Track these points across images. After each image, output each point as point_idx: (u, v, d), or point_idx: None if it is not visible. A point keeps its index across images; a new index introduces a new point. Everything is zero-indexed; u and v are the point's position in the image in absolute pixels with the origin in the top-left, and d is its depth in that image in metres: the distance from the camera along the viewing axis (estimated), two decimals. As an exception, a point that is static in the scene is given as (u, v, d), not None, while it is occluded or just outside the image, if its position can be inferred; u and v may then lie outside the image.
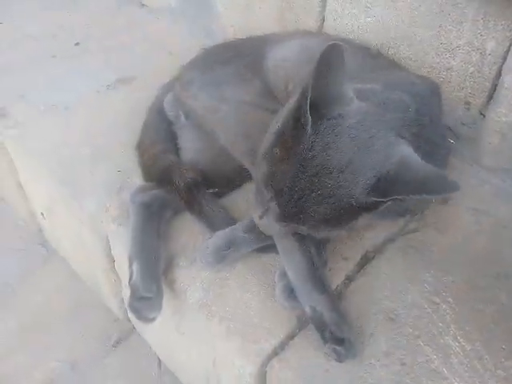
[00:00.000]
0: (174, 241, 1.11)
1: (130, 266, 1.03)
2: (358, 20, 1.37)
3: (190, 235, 1.11)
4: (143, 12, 2.11)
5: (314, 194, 0.81)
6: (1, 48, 1.84)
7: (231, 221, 1.07)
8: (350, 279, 1.05)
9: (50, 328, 1.47)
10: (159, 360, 1.38)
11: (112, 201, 1.19)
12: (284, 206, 0.84)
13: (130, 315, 1.05)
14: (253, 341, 0.93)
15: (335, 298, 0.97)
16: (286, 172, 0.82)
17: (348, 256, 1.09)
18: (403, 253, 1.10)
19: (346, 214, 0.84)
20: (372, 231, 1.14)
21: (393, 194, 0.80)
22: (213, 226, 1.06)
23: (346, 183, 0.81)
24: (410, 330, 0.95)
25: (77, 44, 1.85)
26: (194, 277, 1.03)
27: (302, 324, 0.97)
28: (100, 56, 1.77)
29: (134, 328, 1.45)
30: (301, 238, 0.98)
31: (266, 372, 0.91)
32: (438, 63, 1.27)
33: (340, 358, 0.89)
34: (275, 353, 0.92)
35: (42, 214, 1.55)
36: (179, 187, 1.08)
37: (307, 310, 0.94)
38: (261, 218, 0.89)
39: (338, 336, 0.89)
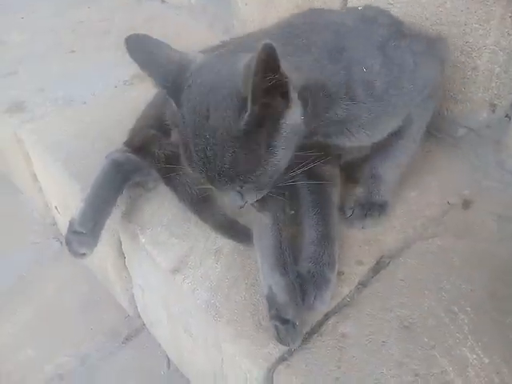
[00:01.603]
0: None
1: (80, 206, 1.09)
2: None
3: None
4: (163, 8, 2.10)
5: (213, 152, 0.80)
6: (21, 42, 1.87)
7: (205, 196, 1.07)
8: (363, 284, 1.02)
9: (60, 322, 1.47)
10: (168, 359, 1.36)
11: (122, 197, 1.17)
12: (211, 177, 0.83)
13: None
14: (261, 344, 0.90)
15: (293, 283, 0.93)
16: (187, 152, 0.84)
17: (362, 260, 1.05)
18: (421, 259, 1.06)
19: (247, 148, 0.80)
20: (388, 235, 1.10)
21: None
22: (184, 197, 1.09)
23: (218, 122, 0.79)
24: (426, 340, 0.91)
25: (95, 39, 1.85)
26: (202, 277, 1.01)
27: (312, 329, 0.94)
28: (118, 52, 1.76)
29: (145, 325, 1.44)
30: (275, 219, 0.98)
31: (272, 377, 0.88)
32: (463, 62, 1.22)
33: (279, 336, 0.88)
34: (283, 358, 0.89)
35: (56, 207, 1.55)
36: (158, 157, 1.11)
37: (265, 288, 0.93)
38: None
39: (282, 316, 0.88)
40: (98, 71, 1.66)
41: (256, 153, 0.81)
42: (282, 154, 0.83)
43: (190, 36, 1.85)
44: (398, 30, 1.01)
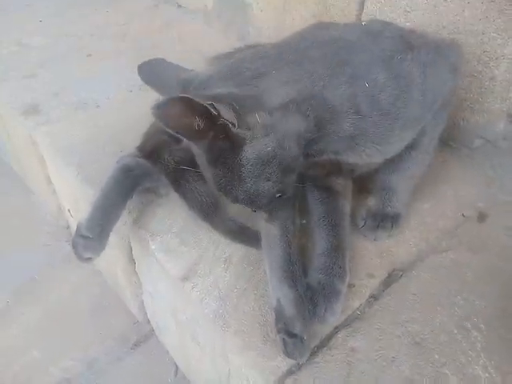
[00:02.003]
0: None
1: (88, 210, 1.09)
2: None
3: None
4: (179, 13, 2.11)
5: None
6: (41, 45, 1.89)
7: (213, 203, 1.07)
8: (374, 297, 1.00)
9: (69, 325, 1.47)
10: (176, 366, 1.36)
11: (134, 203, 1.17)
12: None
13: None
14: (268, 357, 0.89)
15: (302, 297, 0.92)
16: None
17: (374, 273, 1.03)
18: (434, 273, 1.04)
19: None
20: (401, 247, 1.08)
21: None
22: (193, 204, 1.08)
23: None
24: (437, 357, 0.89)
25: (112, 43, 1.86)
26: (211, 286, 1.00)
27: (321, 343, 0.93)
28: (134, 55, 1.77)
29: (153, 331, 1.43)
30: (284, 230, 0.97)
31: (279, 391, 0.87)
32: (480, 72, 1.20)
33: (286, 350, 0.86)
34: (291, 371, 0.88)
35: (69, 210, 1.56)
36: (168, 163, 1.10)
37: (273, 301, 0.93)
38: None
39: (290, 330, 0.87)
40: (113, 75, 1.67)
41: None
42: (256, 181, 0.84)
43: (205, 42, 1.85)
44: (404, 41, 0.99)
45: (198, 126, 0.79)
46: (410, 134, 1.01)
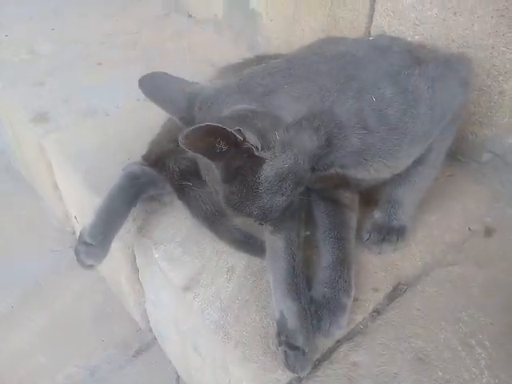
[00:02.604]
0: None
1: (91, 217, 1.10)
2: (405, 38, 1.31)
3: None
4: (189, 22, 2.13)
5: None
6: (51, 53, 1.91)
7: (217, 211, 1.07)
8: (378, 312, 0.99)
9: (73, 331, 1.47)
10: (178, 376, 1.35)
11: (138, 211, 1.17)
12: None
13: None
14: (269, 370, 0.88)
15: (305, 310, 0.92)
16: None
17: (378, 287, 1.02)
18: (439, 287, 1.02)
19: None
20: (406, 261, 1.07)
21: None
22: (197, 212, 1.09)
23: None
24: (440, 374, 0.88)
25: (122, 52, 1.88)
26: (213, 296, 1.00)
27: (323, 356, 0.92)
28: (144, 64, 1.79)
29: (156, 340, 1.43)
30: (288, 243, 0.97)
31: (279, 405, 0.86)
32: (490, 86, 1.19)
33: (288, 363, 0.86)
34: (291, 385, 0.87)
35: (76, 217, 1.57)
36: (173, 171, 1.12)
37: (276, 313, 0.92)
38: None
39: (292, 343, 0.87)
40: (122, 84, 1.68)
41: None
42: (272, 197, 0.85)
43: (215, 51, 1.86)
44: (412, 56, 0.98)
45: (220, 148, 0.78)
46: (418, 149, 1.00)
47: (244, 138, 0.76)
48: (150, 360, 1.41)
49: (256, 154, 0.79)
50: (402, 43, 1.05)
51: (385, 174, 1.00)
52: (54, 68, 1.79)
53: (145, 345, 1.44)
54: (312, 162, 0.88)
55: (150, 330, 1.42)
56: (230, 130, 0.74)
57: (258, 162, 0.81)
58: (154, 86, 0.94)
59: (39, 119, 1.53)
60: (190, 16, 2.15)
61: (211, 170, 0.86)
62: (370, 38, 1.09)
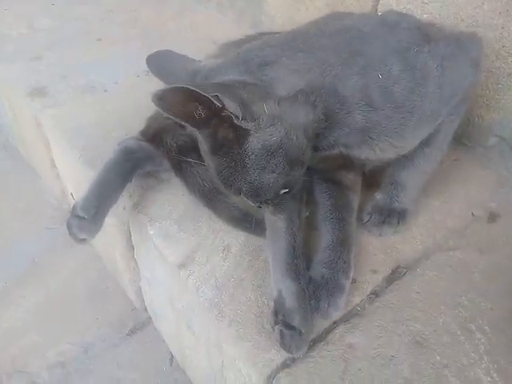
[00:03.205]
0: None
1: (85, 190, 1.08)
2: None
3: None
4: (192, 1, 2.09)
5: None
6: (50, 28, 1.88)
7: (215, 188, 1.05)
8: (376, 294, 0.97)
9: (67, 309, 1.45)
10: (172, 355, 1.33)
11: (135, 187, 1.15)
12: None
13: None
14: (263, 349, 0.86)
15: (304, 290, 0.90)
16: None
17: (377, 269, 1.00)
18: (439, 271, 1.00)
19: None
20: (407, 244, 1.05)
21: None
22: (194, 189, 1.07)
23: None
24: (438, 358, 0.86)
25: (123, 28, 1.85)
26: (208, 274, 0.98)
27: (318, 337, 0.90)
28: (144, 42, 1.75)
29: (151, 319, 1.41)
30: (289, 223, 0.95)
31: (272, 384, 0.85)
32: (498, 68, 1.16)
33: (283, 342, 0.84)
34: (285, 365, 0.85)
35: (72, 194, 1.54)
36: (170, 147, 1.09)
37: (274, 292, 0.90)
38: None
39: (288, 322, 0.85)
40: (122, 60, 1.65)
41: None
42: (260, 173, 0.82)
43: (217, 30, 1.83)
44: (421, 33, 0.95)
45: (200, 114, 0.77)
46: (425, 130, 0.97)
47: (223, 105, 0.74)
48: (144, 339, 1.39)
49: (236, 123, 0.77)
50: (411, 20, 1.01)
51: (391, 155, 0.97)
52: (52, 43, 1.76)
53: (140, 324, 1.43)
54: (309, 139, 0.85)
55: (145, 308, 1.41)
56: (206, 94, 0.72)
57: (243, 133, 0.79)
58: (160, 64, 0.95)
59: (36, 93, 1.50)
60: (194, -6, 2.11)
61: (201, 141, 0.84)
62: (379, 13, 1.06)
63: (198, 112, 0.76)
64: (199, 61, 1.01)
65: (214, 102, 0.73)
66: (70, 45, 1.75)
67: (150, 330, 1.41)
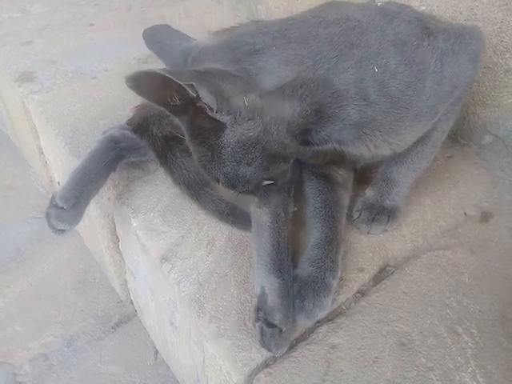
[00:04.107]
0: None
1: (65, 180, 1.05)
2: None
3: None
4: (188, -12, 2.04)
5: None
6: (42, 12, 1.84)
7: (201, 180, 1.03)
8: (362, 293, 0.94)
9: (52, 300, 1.43)
10: (156, 350, 1.31)
11: (120, 178, 1.12)
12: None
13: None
14: (243, 347, 0.84)
15: (288, 288, 0.87)
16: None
17: (364, 267, 0.97)
18: (428, 271, 0.98)
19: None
20: (396, 243, 1.02)
21: None
22: (180, 180, 1.05)
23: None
24: (423, 360, 0.83)
25: (116, 14, 1.81)
26: (190, 268, 0.95)
27: (301, 336, 0.87)
28: (138, 28, 1.69)
29: (136, 312, 1.39)
30: (275, 217, 0.93)
31: (252, 384, 0.82)
32: (496, 64, 1.13)
33: (263, 339, 0.82)
34: (266, 364, 0.83)
35: (59, 183, 1.51)
36: (156, 136, 1.07)
37: (257, 288, 0.88)
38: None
39: (269, 320, 0.82)
40: (114, 47, 1.61)
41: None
42: (236, 165, 0.80)
43: (213, 18, 1.79)
44: (421, 26, 0.91)
45: (174, 101, 0.74)
46: (422, 127, 0.93)
47: (197, 95, 0.71)
48: (129, 333, 1.37)
49: (210, 114, 0.74)
50: (411, 12, 0.97)
51: (385, 151, 0.93)
52: (44, 28, 1.71)
53: (125, 317, 1.40)
54: (294, 133, 0.82)
55: (131, 302, 1.38)
56: (181, 82, 0.69)
57: (220, 125, 0.76)
58: (156, 39, 0.92)
59: (24, 79, 1.46)
60: (190, -18, 2.06)
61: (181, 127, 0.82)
62: (378, 4, 1.02)
63: (173, 99, 0.73)
64: (194, 39, 0.98)
65: (189, 90, 0.70)
66: (61, 30, 1.70)
67: (135, 323, 1.39)
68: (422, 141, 0.98)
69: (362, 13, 0.92)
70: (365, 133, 0.87)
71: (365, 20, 0.89)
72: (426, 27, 0.91)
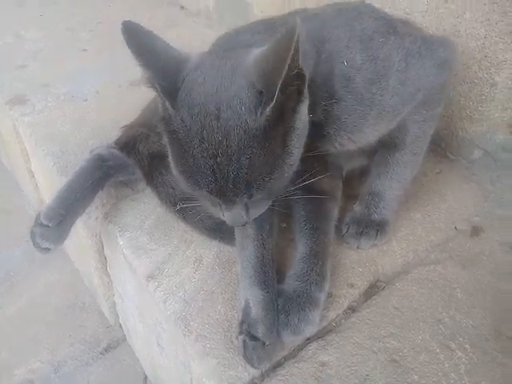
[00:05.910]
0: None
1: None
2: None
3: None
4: (182, 14, 2.09)
5: (226, 156, 0.72)
6: (37, 38, 1.87)
7: (187, 197, 0.98)
8: (353, 309, 0.92)
9: (39, 325, 1.41)
10: (145, 375, 1.28)
11: (108, 197, 1.11)
12: (221, 187, 0.74)
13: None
14: (229, 366, 0.82)
15: (273, 302, 0.85)
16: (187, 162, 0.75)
17: (354, 283, 0.96)
18: (419, 286, 0.96)
19: (265, 148, 0.73)
20: (386, 257, 1.01)
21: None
22: (166, 198, 1.05)
23: (232, 121, 0.71)
24: (415, 377, 0.81)
25: (110, 39, 1.83)
26: (176, 286, 0.93)
27: (290, 353, 0.85)
28: (130, 53, 1.73)
29: (125, 337, 1.36)
30: (259, 229, 0.91)
31: (239, 404, 0.79)
32: (481, 78, 1.14)
33: (245, 353, 0.80)
34: (253, 383, 0.80)
35: (49, 205, 1.50)
36: (142, 154, 1.07)
37: (242, 301, 0.86)
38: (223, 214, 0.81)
39: (252, 333, 0.81)
40: (105, 70, 1.63)
41: (274, 152, 0.74)
42: (297, 154, 0.78)
43: (204, 43, 1.80)
44: (388, 25, 0.92)
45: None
46: (384, 125, 0.93)
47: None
48: (118, 358, 1.34)
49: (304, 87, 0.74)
50: (381, 11, 0.98)
51: (350, 147, 0.93)
52: (37, 52, 1.75)
53: (114, 342, 1.38)
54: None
55: (120, 326, 1.36)
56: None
57: (296, 104, 0.76)
58: (140, 38, 0.85)
59: (16, 102, 1.48)
60: (183, 8, 2.11)
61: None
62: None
63: None
64: (179, 50, 0.96)
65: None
66: (54, 54, 1.73)
67: (124, 348, 1.36)
68: (398, 147, 0.98)
69: (331, 9, 0.94)
70: (328, 132, 0.88)
71: (335, 14, 0.91)
72: (393, 26, 0.92)
